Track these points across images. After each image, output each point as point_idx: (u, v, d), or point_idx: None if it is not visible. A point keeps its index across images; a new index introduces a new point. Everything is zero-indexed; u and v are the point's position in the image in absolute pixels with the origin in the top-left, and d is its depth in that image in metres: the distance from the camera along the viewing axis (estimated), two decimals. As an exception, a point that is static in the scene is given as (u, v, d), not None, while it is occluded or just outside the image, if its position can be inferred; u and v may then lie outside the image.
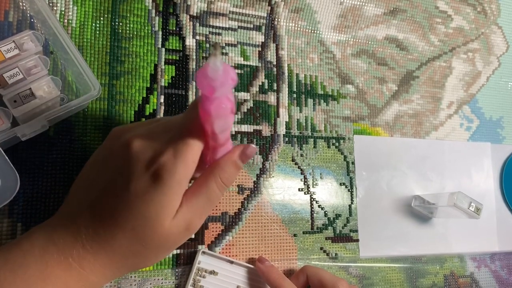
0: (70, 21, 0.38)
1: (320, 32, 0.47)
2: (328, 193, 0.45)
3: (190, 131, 0.26)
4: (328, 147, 0.46)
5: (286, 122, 0.44)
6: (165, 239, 0.27)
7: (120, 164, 0.27)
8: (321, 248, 0.43)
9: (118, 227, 0.26)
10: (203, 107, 0.24)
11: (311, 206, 0.44)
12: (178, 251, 0.38)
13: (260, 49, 0.45)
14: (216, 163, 0.28)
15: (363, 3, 0.49)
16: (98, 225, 0.27)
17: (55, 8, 0.37)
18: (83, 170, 0.30)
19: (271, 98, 0.44)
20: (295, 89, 0.45)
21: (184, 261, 0.38)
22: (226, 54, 0.43)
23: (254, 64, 0.44)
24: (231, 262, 0.39)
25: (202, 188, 0.28)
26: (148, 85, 0.40)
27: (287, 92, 0.45)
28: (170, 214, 0.26)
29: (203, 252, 0.38)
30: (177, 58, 0.41)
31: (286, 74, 0.45)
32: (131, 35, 0.40)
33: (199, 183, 0.28)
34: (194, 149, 0.26)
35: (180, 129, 0.27)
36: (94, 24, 0.39)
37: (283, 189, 0.43)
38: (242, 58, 0.44)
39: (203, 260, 0.38)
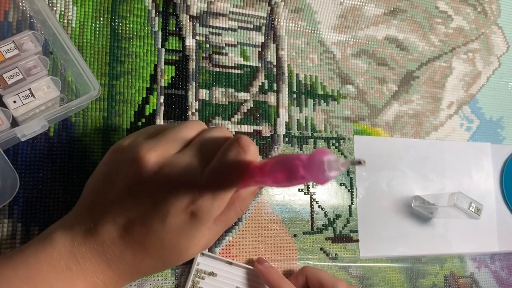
0: (70, 21, 0.38)
1: (320, 32, 0.47)
2: (328, 193, 0.45)
3: (232, 176, 0.26)
4: (328, 147, 0.46)
5: (286, 122, 0.44)
6: (184, 260, 0.29)
7: (156, 196, 0.26)
8: (321, 249, 0.43)
9: (146, 254, 0.27)
10: (276, 180, 0.24)
11: (311, 206, 0.44)
12: (178, 251, 0.38)
13: (260, 49, 0.44)
14: (238, 193, 0.29)
15: (363, 3, 0.49)
16: (125, 249, 0.27)
17: (54, 8, 0.37)
18: (93, 179, 0.29)
19: (271, 99, 0.44)
20: (295, 90, 0.45)
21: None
22: (226, 54, 0.43)
23: (254, 65, 0.44)
24: (230, 263, 0.39)
25: (222, 215, 0.29)
26: (148, 86, 0.40)
27: (287, 93, 0.45)
28: (198, 243, 0.28)
29: (202, 254, 0.38)
30: (177, 59, 0.41)
31: (286, 74, 0.45)
32: (131, 35, 0.40)
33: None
34: (231, 192, 0.27)
35: (220, 167, 0.26)
36: (94, 24, 0.39)
37: (283, 190, 0.43)
38: (242, 58, 0.44)
39: (202, 262, 0.38)
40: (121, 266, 0.27)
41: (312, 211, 0.44)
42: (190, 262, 0.38)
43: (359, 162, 0.20)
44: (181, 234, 0.26)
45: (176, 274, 0.38)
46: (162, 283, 0.37)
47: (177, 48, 0.41)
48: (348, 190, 0.46)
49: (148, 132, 0.30)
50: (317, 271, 0.39)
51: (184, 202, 0.26)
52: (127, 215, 0.26)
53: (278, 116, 0.44)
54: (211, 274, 0.38)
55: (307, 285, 0.39)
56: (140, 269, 0.28)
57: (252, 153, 0.26)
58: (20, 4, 0.36)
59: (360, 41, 0.49)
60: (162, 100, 0.40)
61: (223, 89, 0.43)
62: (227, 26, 0.43)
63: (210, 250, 0.39)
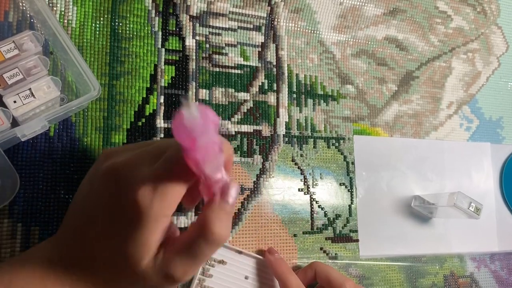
0: (70, 22, 0.38)
1: (320, 32, 0.47)
2: (328, 193, 0.45)
3: (174, 169, 0.24)
4: (328, 147, 0.46)
5: (286, 122, 0.44)
6: (142, 278, 0.25)
7: (101, 194, 0.26)
8: (321, 248, 0.43)
9: (97, 260, 0.26)
10: (189, 157, 0.22)
11: (311, 206, 0.44)
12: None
13: (260, 49, 0.45)
14: (203, 216, 0.25)
15: (363, 4, 0.49)
16: (80, 255, 0.27)
17: (55, 8, 0.37)
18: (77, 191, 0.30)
19: (271, 98, 0.44)
20: (295, 89, 0.45)
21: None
22: (226, 54, 0.43)
23: (254, 65, 0.44)
24: (240, 252, 0.40)
25: (189, 245, 0.25)
26: (148, 86, 0.40)
27: (287, 92, 0.45)
28: (147, 253, 0.24)
29: None
30: (177, 59, 0.41)
31: (286, 74, 0.45)
32: (131, 35, 0.40)
33: (187, 238, 0.25)
34: (175, 189, 0.24)
35: (164, 162, 0.24)
36: (94, 25, 0.39)
37: (283, 189, 0.43)
38: (242, 59, 0.44)
39: None
40: (71, 274, 0.26)
41: (312, 211, 0.44)
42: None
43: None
44: (125, 236, 0.24)
45: None
46: None
47: (177, 48, 0.41)
48: (348, 190, 0.46)
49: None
50: (327, 268, 0.39)
51: (125, 193, 0.24)
52: (84, 214, 0.27)
53: (278, 116, 0.44)
54: (221, 262, 0.39)
55: (315, 280, 0.39)
56: (94, 279, 0.26)
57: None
58: (20, 4, 0.36)
59: (359, 41, 0.49)
60: (162, 100, 0.40)
61: (223, 89, 0.43)
62: (227, 26, 0.43)
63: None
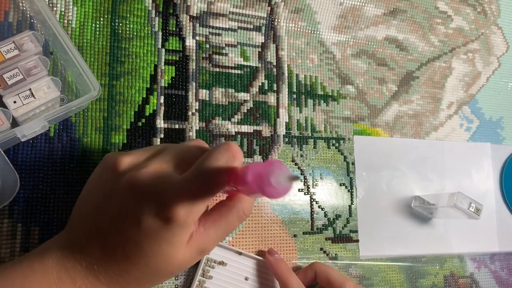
0: (70, 22, 0.38)
1: (320, 33, 0.47)
2: (328, 193, 0.45)
3: (210, 184, 0.25)
4: (328, 147, 0.46)
5: (286, 122, 0.44)
6: (179, 266, 0.27)
7: (127, 203, 0.26)
8: (321, 249, 0.43)
9: (131, 263, 0.26)
10: (264, 191, 0.22)
11: (311, 206, 0.44)
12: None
13: (260, 49, 0.45)
14: (239, 196, 0.28)
15: (363, 4, 0.49)
16: (109, 259, 0.26)
17: (55, 8, 0.37)
18: (84, 194, 0.30)
19: (271, 99, 0.44)
20: (295, 90, 0.45)
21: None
22: (226, 54, 0.43)
23: (254, 65, 0.44)
24: (240, 253, 0.40)
25: (222, 218, 0.28)
26: (148, 86, 0.40)
27: (287, 93, 0.45)
28: (182, 246, 0.26)
29: None
30: (177, 59, 0.41)
31: (286, 74, 0.45)
32: (131, 35, 0.40)
33: (220, 212, 0.28)
34: (212, 197, 0.26)
35: (200, 175, 0.25)
36: (94, 25, 0.39)
37: (283, 190, 0.43)
38: (242, 59, 0.44)
39: (212, 251, 0.39)
40: (107, 276, 0.26)
41: (312, 211, 0.44)
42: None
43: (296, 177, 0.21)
44: (160, 239, 0.25)
45: (176, 275, 0.38)
46: (162, 283, 0.37)
47: (177, 49, 0.41)
48: (348, 190, 0.46)
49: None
50: (327, 268, 0.39)
51: (157, 205, 0.25)
52: (104, 218, 0.27)
53: (278, 116, 0.44)
54: (221, 263, 0.39)
55: (315, 280, 0.39)
56: (129, 280, 0.27)
57: (239, 161, 0.26)
58: (20, 4, 0.36)
59: (360, 41, 0.49)
60: (162, 100, 0.40)
61: (223, 89, 0.43)
62: (227, 27, 0.43)
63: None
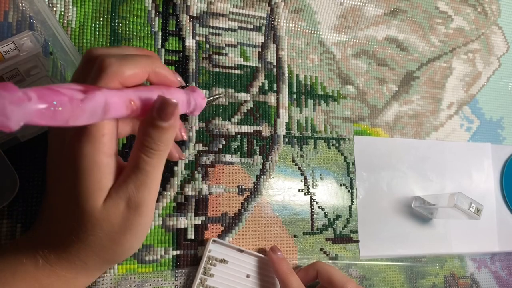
0: (70, 22, 0.38)
1: (320, 33, 0.47)
2: (328, 194, 0.45)
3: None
4: (328, 147, 0.46)
5: (286, 122, 0.44)
6: (107, 221, 0.25)
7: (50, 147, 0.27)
8: (321, 249, 0.43)
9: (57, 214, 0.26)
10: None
11: (311, 207, 0.44)
12: (178, 252, 0.38)
13: (260, 49, 0.44)
14: (138, 129, 0.25)
15: (363, 4, 0.49)
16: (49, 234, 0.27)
17: (54, 8, 0.37)
18: None
19: (271, 99, 0.44)
20: (295, 90, 0.45)
21: (184, 262, 0.38)
22: (226, 54, 0.43)
23: (254, 65, 0.44)
24: (242, 251, 0.39)
25: (132, 160, 0.25)
26: (148, 86, 0.40)
27: (287, 93, 0.45)
28: (99, 197, 0.25)
29: (214, 241, 0.39)
30: (177, 59, 0.41)
31: (286, 74, 0.45)
32: (130, 35, 0.40)
33: (131, 156, 0.26)
34: (102, 126, 0.24)
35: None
36: (93, 25, 0.38)
37: (283, 190, 0.43)
38: (242, 59, 0.44)
39: (213, 249, 0.39)
40: (57, 257, 0.26)
41: (312, 212, 0.44)
42: (192, 264, 0.38)
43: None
44: (72, 180, 0.25)
45: (176, 275, 0.38)
46: (162, 284, 0.37)
47: (177, 49, 0.41)
48: (348, 191, 0.46)
49: None
50: (329, 268, 0.39)
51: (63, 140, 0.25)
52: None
53: (278, 116, 0.44)
54: (223, 261, 0.39)
55: (316, 279, 0.39)
56: (83, 254, 0.26)
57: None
58: (20, 4, 0.36)
59: (360, 41, 0.49)
60: (162, 101, 0.40)
61: (223, 90, 0.42)
62: (227, 27, 0.43)
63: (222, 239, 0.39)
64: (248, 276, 0.39)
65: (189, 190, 0.40)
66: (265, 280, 0.40)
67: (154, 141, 0.25)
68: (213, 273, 0.38)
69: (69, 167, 0.25)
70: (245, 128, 0.43)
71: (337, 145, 0.46)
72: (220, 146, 0.41)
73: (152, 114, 0.25)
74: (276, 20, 0.45)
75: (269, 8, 0.45)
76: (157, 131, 0.25)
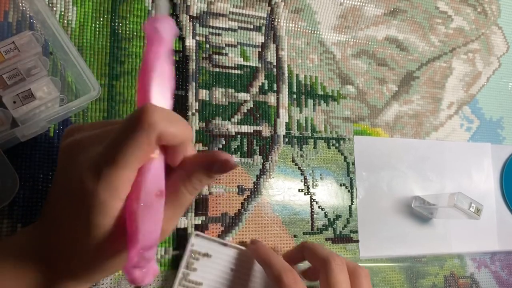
0: (70, 22, 0.38)
1: (320, 33, 0.47)
2: (328, 194, 0.45)
3: (119, 150, 0.22)
4: (328, 147, 0.46)
5: (286, 122, 0.44)
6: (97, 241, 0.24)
7: (58, 172, 0.26)
8: (321, 249, 0.43)
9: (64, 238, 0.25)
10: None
11: (311, 207, 0.44)
12: (178, 252, 0.38)
13: (260, 49, 0.44)
14: (187, 167, 0.25)
15: (363, 4, 0.49)
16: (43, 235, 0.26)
17: (54, 8, 0.37)
18: None
19: (271, 99, 0.44)
20: (295, 90, 0.45)
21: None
22: (226, 54, 0.43)
23: (254, 65, 0.44)
24: (225, 245, 0.39)
25: (170, 194, 0.25)
26: (148, 86, 0.40)
27: (287, 93, 0.45)
28: (103, 234, 0.24)
29: (197, 235, 0.38)
30: (177, 59, 0.41)
31: (286, 74, 0.45)
32: (131, 35, 0.40)
33: (167, 188, 0.25)
34: (121, 172, 0.23)
35: (111, 141, 0.23)
36: (93, 25, 0.38)
37: (283, 190, 0.43)
38: (242, 59, 0.44)
39: (196, 243, 0.38)
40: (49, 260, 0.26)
41: (312, 212, 0.44)
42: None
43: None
44: (79, 214, 0.24)
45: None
46: (162, 284, 0.37)
47: (177, 49, 0.41)
48: (348, 191, 0.46)
49: None
50: (312, 245, 0.38)
51: (75, 173, 0.24)
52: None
53: (278, 116, 0.44)
54: (206, 255, 0.38)
55: (303, 259, 0.38)
56: (67, 261, 0.25)
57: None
58: (20, 4, 0.36)
59: (360, 41, 0.49)
60: (162, 101, 0.40)
61: (223, 90, 0.42)
62: (227, 27, 0.43)
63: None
64: (232, 269, 0.39)
65: (189, 190, 0.39)
66: (249, 274, 0.39)
67: (203, 185, 0.26)
68: (195, 267, 0.37)
69: (79, 202, 0.24)
70: (245, 128, 0.43)
71: (337, 145, 0.46)
72: (220, 146, 0.41)
73: (212, 168, 0.25)
74: (276, 20, 0.45)
75: (269, 8, 0.45)
76: (211, 180, 0.27)
